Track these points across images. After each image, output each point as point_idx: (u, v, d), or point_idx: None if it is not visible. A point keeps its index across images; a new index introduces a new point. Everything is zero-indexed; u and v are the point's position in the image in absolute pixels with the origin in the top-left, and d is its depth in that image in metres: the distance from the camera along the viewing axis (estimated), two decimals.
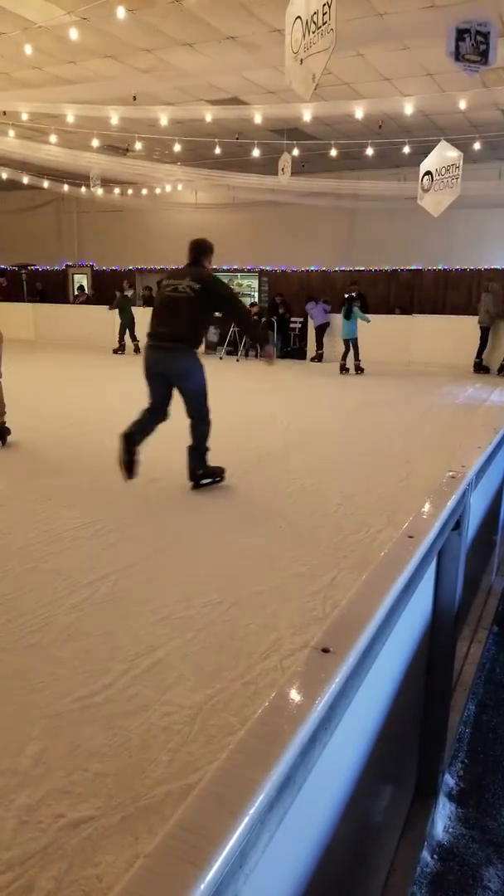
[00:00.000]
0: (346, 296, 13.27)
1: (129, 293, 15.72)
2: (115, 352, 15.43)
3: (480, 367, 13.35)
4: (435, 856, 2.05)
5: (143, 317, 17.53)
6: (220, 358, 15.11)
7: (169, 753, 2.24)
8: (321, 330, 14.99)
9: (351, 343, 12.83)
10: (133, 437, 4.96)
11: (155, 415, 5.16)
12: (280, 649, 2.90)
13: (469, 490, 2.03)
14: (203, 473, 5.16)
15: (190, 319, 4.94)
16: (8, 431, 6.46)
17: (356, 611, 1.10)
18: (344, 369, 12.94)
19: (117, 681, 2.63)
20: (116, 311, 15.15)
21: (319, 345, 15.14)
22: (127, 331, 15.20)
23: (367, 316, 13.01)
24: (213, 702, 2.52)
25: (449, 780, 2.35)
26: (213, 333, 16.09)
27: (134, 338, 15.01)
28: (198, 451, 5.17)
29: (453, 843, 2.11)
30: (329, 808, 1.16)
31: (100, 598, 3.35)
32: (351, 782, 1.30)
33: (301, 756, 0.80)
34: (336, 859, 1.22)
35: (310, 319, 15.22)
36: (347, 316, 12.65)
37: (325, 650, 0.97)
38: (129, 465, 4.91)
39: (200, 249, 5.19)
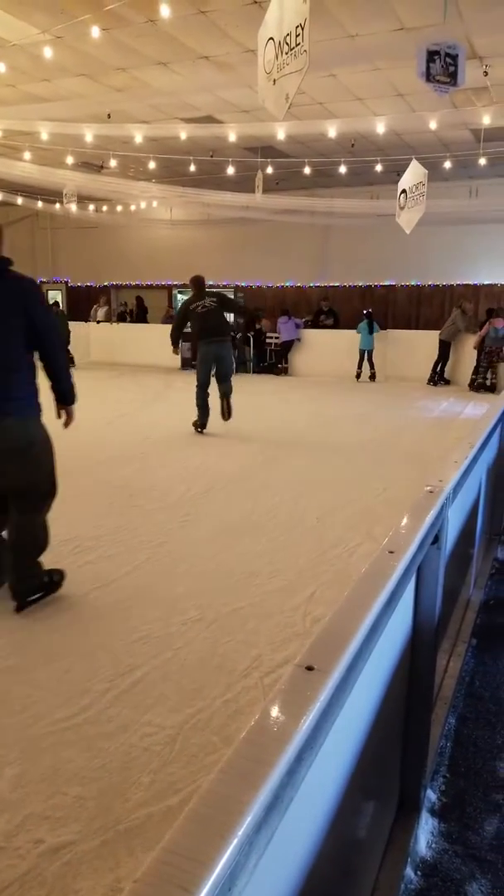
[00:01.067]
0: (365, 312, 14.59)
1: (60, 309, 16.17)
2: None
3: (439, 379, 13.58)
4: (419, 872, 2.05)
5: (119, 332, 17.50)
6: None
7: (150, 775, 2.21)
8: (287, 345, 15.34)
9: (368, 353, 14.23)
10: (205, 412, 7.82)
11: (206, 388, 7.78)
12: (260, 666, 2.89)
13: (447, 504, 2.05)
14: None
15: (222, 322, 7.88)
16: None
17: (339, 628, 1.10)
18: (358, 376, 14.35)
19: (97, 702, 2.60)
20: None
21: (282, 359, 15.51)
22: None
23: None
24: (194, 721, 2.50)
25: (431, 795, 2.35)
26: (186, 350, 16.11)
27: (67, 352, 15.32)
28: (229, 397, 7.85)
29: (436, 858, 2.11)
30: (314, 826, 1.16)
31: (78, 617, 3.32)
32: (335, 800, 1.29)
33: (288, 775, 0.80)
34: (321, 878, 1.22)
35: (279, 333, 15.54)
36: (371, 330, 14.15)
37: (310, 668, 0.97)
38: (204, 426, 7.84)
39: (202, 283, 8.14)
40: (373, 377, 14.25)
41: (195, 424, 7.91)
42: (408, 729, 2.08)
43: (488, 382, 12.87)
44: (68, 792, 2.12)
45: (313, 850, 1.16)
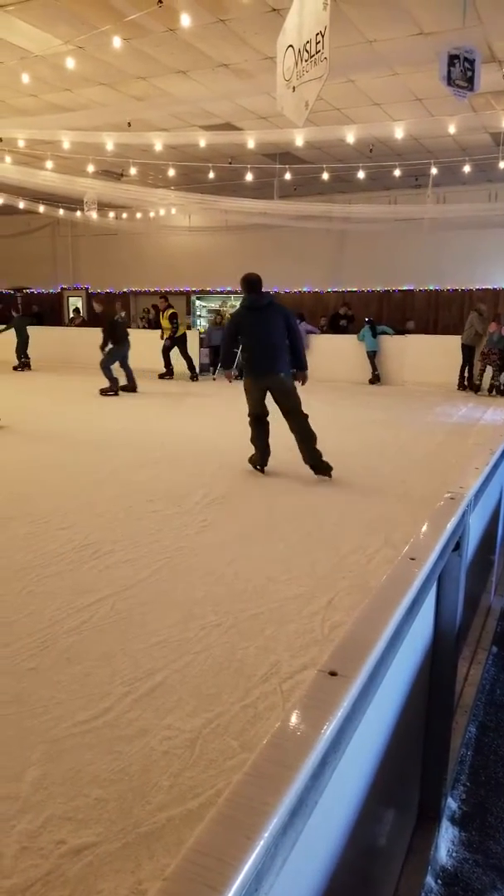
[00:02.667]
0: (367, 319, 14.88)
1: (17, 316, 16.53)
2: (14, 369, 15.95)
3: (469, 386, 13.50)
4: (439, 881, 2.04)
5: (143, 337, 17.64)
6: (214, 378, 15.21)
7: (169, 778, 2.22)
8: None
9: (373, 354, 14.54)
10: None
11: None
12: (279, 672, 2.89)
13: (468, 511, 2.05)
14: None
15: None
16: None
17: (361, 634, 1.11)
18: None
19: (117, 705, 2.62)
20: (13, 330, 15.76)
21: None
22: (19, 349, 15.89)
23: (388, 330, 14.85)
24: (213, 725, 2.51)
25: (451, 804, 2.34)
26: (204, 355, 16.22)
27: (25, 355, 15.91)
28: None
29: (457, 867, 2.10)
30: (336, 832, 1.16)
31: (98, 620, 3.34)
32: (356, 806, 1.30)
33: (312, 779, 0.81)
34: (342, 883, 1.22)
35: None
36: (374, 333, 14.44)
37: (333, 673, 0.98)
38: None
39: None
40: (377, 379, 14.52)
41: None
42: (428, 737, 2.08)
43: (478, 382, 13.22)
44: (89, 794, 2.14)
45: (335, 855, 1.16)
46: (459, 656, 2.43)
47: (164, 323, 14.19)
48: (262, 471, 6.42)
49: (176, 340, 14.16)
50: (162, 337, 14.39)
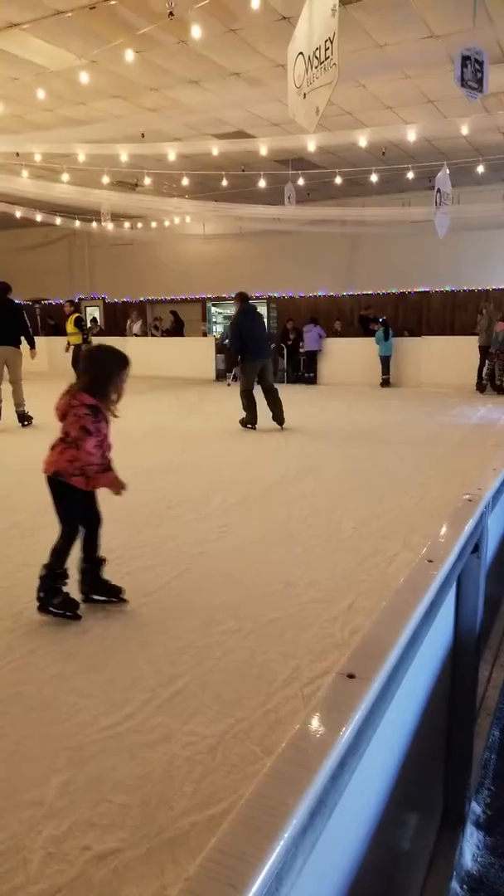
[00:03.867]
0: (381, 320, 14.96)
1: None
2: None
3: (491, 386, 13.43)
4: (464, 886, 2.03)
5: (154, 347, 17.67)
6: (228, 384, 15.29)
7: (192, 784, 2.23)
8: (311, 354, 15.50)
9: (387, 359, 14.65)
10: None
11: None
12: (300, 677, 2.89)
13: (486, 513, 2.04)
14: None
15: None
16: (30, 417, 9.29)
17: (379, 636, 1.11)
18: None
19: (139, 711, 2.64)
20: None
21: (308, 368, 15.79)
22: None
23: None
24: (235, 731, 2.52)
25: (476, 808, 2.33)
26: (220, 361, 16.29)
27: None
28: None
29: (482, 872, 2.08)
30: (358, 834, 1.17)
31: (119, 627, 3.37)
32: (378, 809, 1.30)
33: (332, 781, 0.81)
34: (365, 888, 1.22)
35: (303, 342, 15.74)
36: (387, 336, 14.51)
37: (351, 676, 0.99)
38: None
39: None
40: (388, 382, 14.63)
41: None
42: (450, 740, 2.07)
43: (499, 382, 13.25)
44: (113, 800, 2.16)
45: (357, 858, 1.17)
46: (481, 659, 2.42)
47: (70, 329, 13.03)
48: (254, 428, 8.87)
49: (77, 348, 12.86)
50: (67, 348, 13.13)
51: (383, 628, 1.15)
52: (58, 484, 3.47)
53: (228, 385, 15.04)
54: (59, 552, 3.48)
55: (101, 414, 3.43)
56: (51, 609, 3.41)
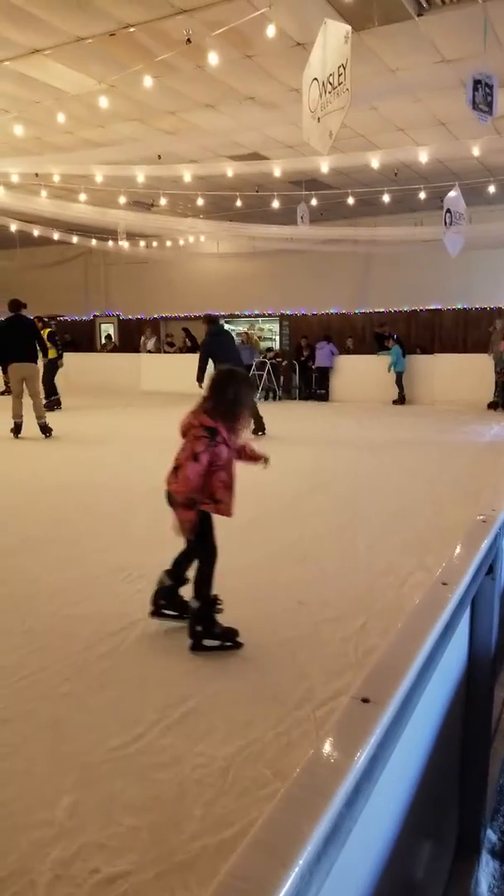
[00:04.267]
0: (395, 336, 15.05)
1: None
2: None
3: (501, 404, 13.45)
4: None
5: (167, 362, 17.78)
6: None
7: (203, 807, 2.21)
8: (323, 371, 15.54)
9: (400, 375, 14.65)
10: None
11: None
12: (313, 698, 2.87)
13: (501, 534, 2.03)
14: None
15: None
16: (50, 429, 9.81)
17: (394, 660, 1.10)
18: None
19: (149, 731, 2.62)
20: None
21: (319, 384, 15.89)
22: None
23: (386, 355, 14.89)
24: (246, 753, 2.49)
25: (491, 836, 2.29)
26: None
27: None
28: None
29: None
30: (372, 862, 1.15)
31: (130, 645, 3.36)
32: (392, 836, 1.28)
33: (347, 806, 0.81)
34: None
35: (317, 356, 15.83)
36: (404, 353, 14.57)
37: (366, 700, 0.98)
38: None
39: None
40: (403, 399, 14.57)
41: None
42: (465, 765, 2.04)
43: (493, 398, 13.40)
44: (123, 822, 2.14)
45: (371, 886, 1.15)
46: (496, 681, 2.39)
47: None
48: (263, 434, 9.45)
49: (50, 362, 12.51)
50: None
51: (398, 651, 1.14)
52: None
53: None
54: (207, 579, 3.39)
55: (220, 437, 3.34)
56: (207, 644, 3.30)
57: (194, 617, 3.33)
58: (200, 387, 8.45)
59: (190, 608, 3.36)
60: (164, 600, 3.57)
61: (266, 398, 15.87)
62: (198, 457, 3.26)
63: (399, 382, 14.57)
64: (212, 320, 9.39)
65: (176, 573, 3.57)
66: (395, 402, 14.61)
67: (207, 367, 8.82)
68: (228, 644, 3.32)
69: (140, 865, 1.96)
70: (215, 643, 3.31)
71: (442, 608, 1.34)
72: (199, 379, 8.75)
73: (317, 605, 3.85)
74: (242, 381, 3.47)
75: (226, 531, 5.27)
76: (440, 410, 13.54)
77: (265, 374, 16.05)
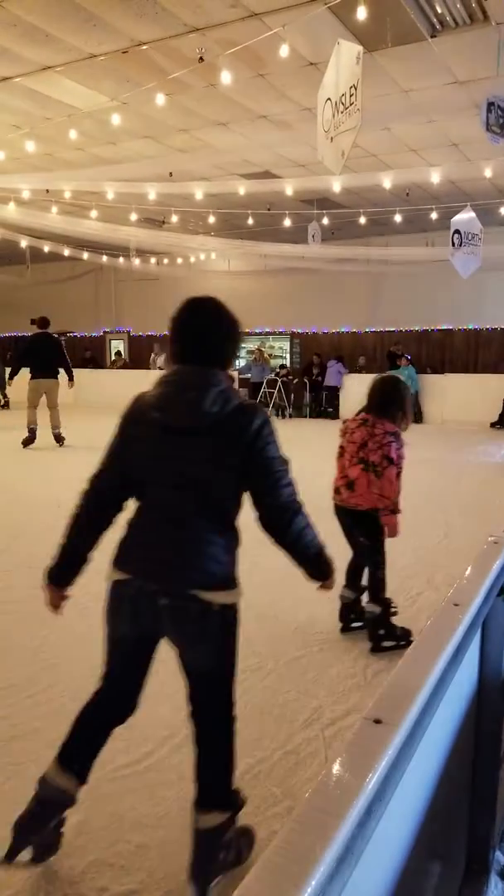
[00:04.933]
0: (408, 357, 15.03)
1: None
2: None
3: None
4: None
5: None
6: None
7: None
8: (332, 390, 15.57)
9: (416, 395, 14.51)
10: None
11: None
12: (321, 718, 2.86)
13: None
14: None
15: None
16: (63, 438, 10.39)
17: (406, 681, 1.11)
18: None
19: (158, 749, 2.62)
20: None
21: (329, 403, 15.97)
22: None
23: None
24: (255, 771, 2.49)
25: (500, 857, 2.26)
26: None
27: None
28: None
29: None
30: (382, 884, 1.15)
31: None
32: (402, 858, 1.28)
33: (359, 828, 0.81)
34: None
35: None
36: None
37: (378, 721, 0.98)
38: None
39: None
40: (420, 417, 14.52)
41: None
42: (475, 787, 2.03)
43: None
44: (131, 840, 2.13)
45: None
46: None
47: None
48: None
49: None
50: None
51: (410, 673, 1.14)
52: (369, 518, 3.56)
53: None
54: (383, 584, 3.61)
55: (401, 439, 3.54)
56: (385, 645, 3.54)
57: (375, 622, 3.54)
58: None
59: (368, 613, 3.59)
60: (353, 614, 3.79)
61: (277, 415, 15.91)
62: (394, 461, 3.46)
63: (416, 402, 14.56)
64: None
65: (354, 585, 3.79)
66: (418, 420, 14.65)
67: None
68: (403, 643, 3.49)
69: (148, 884, 1.96)
70: (391, 643, 3.53)
71: (453, 629, 1.34)
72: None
73: (326, 624, 3.84)
74: (403, 387, 3.70)
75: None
76: (451, 430, 13.52)
77: (276, 392, 16.09)
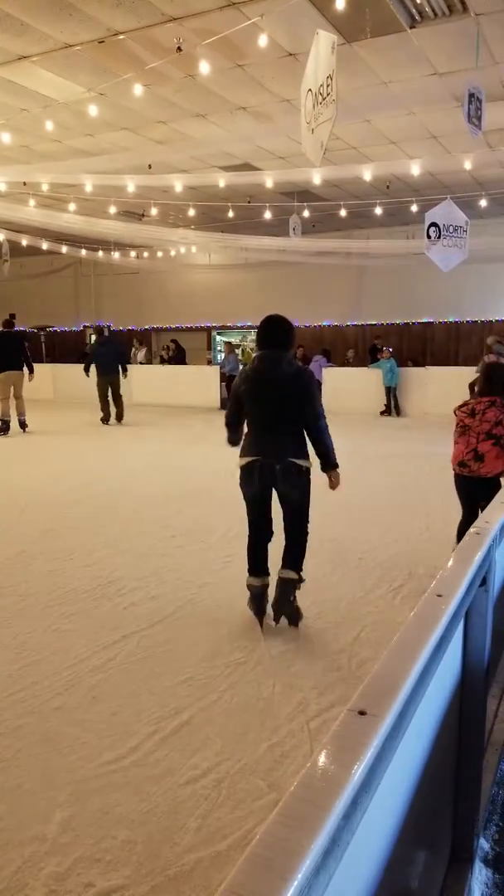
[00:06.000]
0: (391, 350, 14.89)
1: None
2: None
3: None
4: None
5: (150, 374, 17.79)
6: None
7: (197, 820, 2.20)
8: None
9: (394, 389, 14.59)
10: None
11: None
12: (306, 710, 2.87)
13: (494, 546, 2.04)
14: None
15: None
16: (27, 425, 11.61)
17: (390, 672, 1.11)
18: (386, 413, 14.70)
19: (143, 744, 2.61)
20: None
21: None
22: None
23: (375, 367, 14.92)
24: (241, 765, 2.49)
25: (484, 844, 2.29)
26: (224, 389, 16.40)
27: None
28: None
29: None
30: (368, 873, 1.15)
31: (123, 658, 3.34)
32: (388, 847, 1.28)
33: (345, 819, 0.81)
34: None
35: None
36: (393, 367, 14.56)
37: (362, 712, 0.98)
38: None
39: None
40: (398, 411, 14.61)
41: None
42: (459, 775, 2.04)
43: None
44: (117, 835, 2.13)
45: None
46: (489, 692, 2.39)
47: None
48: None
49: None
50: None
51: (394, 664, 1.14)
52: (494, 482, 4.22)
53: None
54: None
55: None
56: None
57: None
58: None
59: None
60: None
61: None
62: None
63: (391, 395, 14.56)
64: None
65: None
66: (382, 413, 14.62)
67: None
68: None
69: (134, 879, 1.95)
70: None
71: (437, 620, 1.35)
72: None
73: (310, 617, 3.85)
74: None
75: (218, 543, 5.27)
76: (432, 423, 13.59)
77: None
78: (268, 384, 3.61)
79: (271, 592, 3.78)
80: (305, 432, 3.64)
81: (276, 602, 3.70)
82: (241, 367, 16.10)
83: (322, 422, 3.64)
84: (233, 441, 3.91)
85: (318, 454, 3.68)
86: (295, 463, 3.60)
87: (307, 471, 3.68)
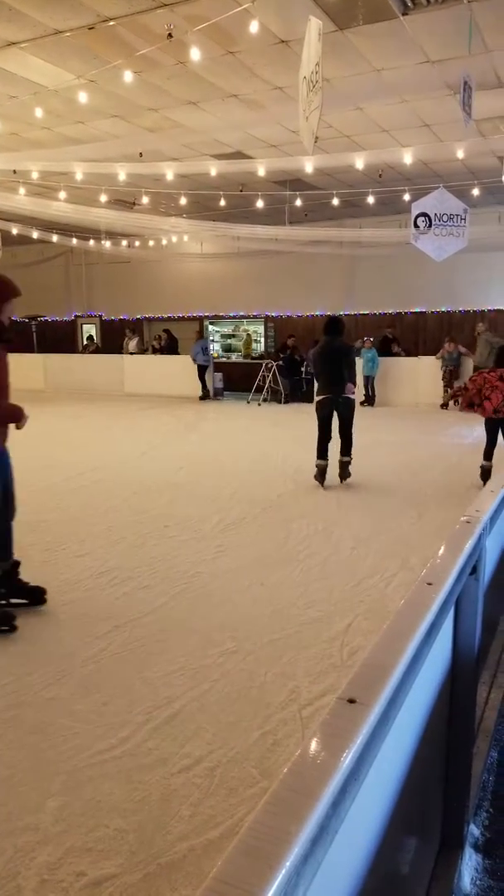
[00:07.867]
0: (372, 340, 15.05)
1: None
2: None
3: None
4: None
5: (147, 363, 17.75)
6: (248, 402, 15.36)
7: (190, 808, 2.21)
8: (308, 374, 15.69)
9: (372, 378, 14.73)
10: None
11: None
12: (298, 698, 2.88)
13: (484, 535, 2.05)
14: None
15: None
16: None
17: (380, 660, 1.11)
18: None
19: (135, 734, 2.62)
20: None
21: (306, 386, 15.91)
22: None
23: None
24: (233, 753, 2.50)
25: (474, 831, 2.31)
26: (218, 380, 16.36)
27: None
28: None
29: (481, 895, 2.06)
30: (358, 860, 1.16)
31: (116, 648, 3.35)
32: (378, 834, 1.29)
33: (333, 807, 0.81)
34: None
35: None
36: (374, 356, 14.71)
37: (352, 700, 0.98)
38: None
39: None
40: (373, 402, 14.72)
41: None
42: (449, 762, 2.06)
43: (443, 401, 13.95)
44: (109, 824, 2.13)
45: (357, 884, 1.16)
46: (479, 680, 2.41)
47: None
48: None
49: None
50: None
51: (384, 652, 1.14)
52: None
53: (248, 403, 15.18)
54: None
55: None
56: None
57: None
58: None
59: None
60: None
61: (274, 400, 15.74)
62: None
63: (370, 385, 14.61)
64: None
65: (490, 455, 6.87)
66: (361, 403, 14.58)
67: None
68: None
69: (127, 868, 1.96)
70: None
71: (427, 608, 1.35)
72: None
73: (302, 607, 3.86)
74: None
75: (212, 532, 5.28)
76: (423, 412, 13.61)
77: (270, 376, 15.83)
78: (331, 353, 6.83)
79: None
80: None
81: (341, 473, 6.87)
82: (207, 356, 16.23)
83: (353, 372, 6.93)
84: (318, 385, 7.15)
85: (349, 379, 6.81)
86: (347, 397, 6.79)
87: (353, 401, 6.86)
